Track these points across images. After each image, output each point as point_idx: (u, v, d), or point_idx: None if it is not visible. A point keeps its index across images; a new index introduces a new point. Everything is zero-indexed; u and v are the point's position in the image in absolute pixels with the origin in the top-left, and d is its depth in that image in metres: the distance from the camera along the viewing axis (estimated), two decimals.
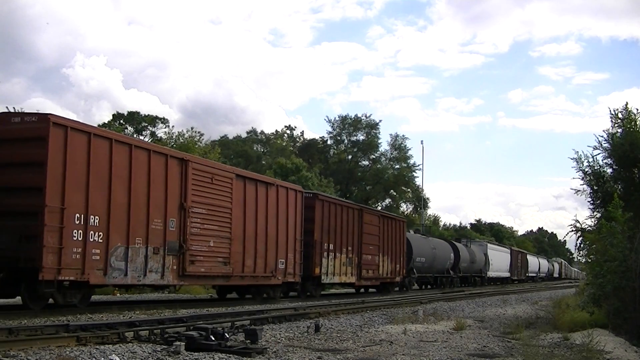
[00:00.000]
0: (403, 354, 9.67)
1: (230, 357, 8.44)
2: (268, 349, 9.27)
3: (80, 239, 13.05)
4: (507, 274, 55.44)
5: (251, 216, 18.86)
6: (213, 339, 9.20)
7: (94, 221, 13.39)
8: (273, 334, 11.27)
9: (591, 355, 9.74)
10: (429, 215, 73.16)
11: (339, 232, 24.13)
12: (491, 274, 49.38)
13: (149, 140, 40.19)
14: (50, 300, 13.22)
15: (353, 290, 29.09)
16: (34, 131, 12.61)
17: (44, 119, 12.74)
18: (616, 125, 16.85)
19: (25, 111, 13.13)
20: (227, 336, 9.61)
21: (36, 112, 13.84)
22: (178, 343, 8.58)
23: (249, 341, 9.72)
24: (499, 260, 51.61)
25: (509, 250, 58.03)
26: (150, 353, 8.30)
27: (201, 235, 16.71)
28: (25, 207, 12.52)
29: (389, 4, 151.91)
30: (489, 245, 51.27)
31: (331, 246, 23.51)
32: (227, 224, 17.79)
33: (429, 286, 38.11)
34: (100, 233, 13.52)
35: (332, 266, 23.58)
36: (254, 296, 20.03)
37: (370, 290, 29.51)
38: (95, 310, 13.58)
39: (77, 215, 13.02)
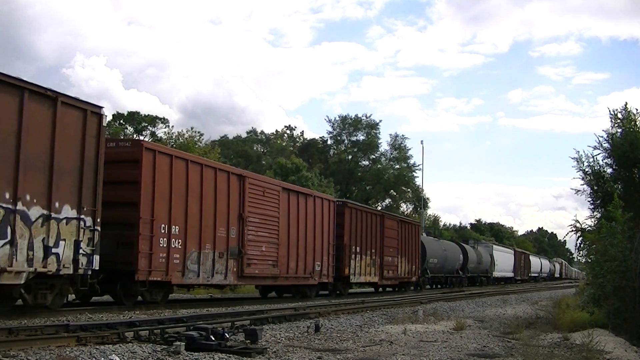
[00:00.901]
0: (403, 354, 9.67)
1: (230, 357, 8.44)
2: (268, 349, 9.26)
3: (165, 245, 15.47)
4: (511, 274, 57.28)
5: (294, 224, 21.37)
6: (213, 339, 9.20)
7: (175, 230, 15.83)
8: (273, 334, 11.27)
9: (591, 355, 9.74)
10: (429, 215, 73.22)
11: (364, 236, 26.41)
12: (496, 274, 51.34)
13: (149, 140, 40.44)
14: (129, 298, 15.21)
15: (372, 290, 30.90)
16: (129, 155, 14.96)
17: (137, 144, 15.59)
18: (616, 125, 16.85)
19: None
20: (227, 336, 9.61)
21: (129, 138, 16.10)
22: (178, 343, 8.58)
23: (249, 341, 9.72)
24: (503, 261, 53.67)
25: (512, 252, 59.71)
26: (150, 353, 8.30)
27: (255, 241, 19.24)
28: (123, 218, 14.60)
29: (389, 4, 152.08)
30: (494, 246, 53.09)
31: (358, 249, 25.79)
32: (276, 231, 20.33)
33: (439, 285, 40.05)
34: (179, 240, 15.96)
35: (359, 267, 25.88)
36: (293, 295, 22.45)
37: (387, 289, 31.54)
38: (95, 310, 13.58)
39: (163, 225, 15.45)
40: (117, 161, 14.55)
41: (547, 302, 26.73)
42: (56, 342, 8.56)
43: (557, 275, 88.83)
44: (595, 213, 17.16)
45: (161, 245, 15.33)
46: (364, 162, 64.32)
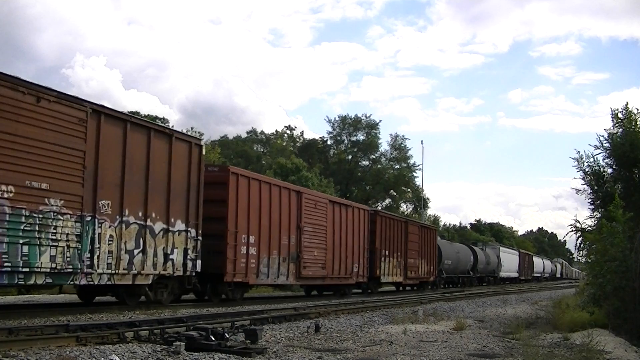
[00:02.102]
0: (403, 354, 9.67)
1: (230, 357, 8.44)
2: (268, 349, 9.26)
3: (244, 252, 18.49)
4: (516, 274, 59.95)
5: (337, 231, 24.50)
6: (213, 339, 9.20)
7: (251, 240, 18.83)
8: (273, 334, 11.27)
9: (591, 355, 9.74)
10: (429, 215, 73.14)
11: (391, 241, 29.78)
12: (503, 274, 54.31)
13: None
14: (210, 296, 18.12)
15: (394, 289, 33.68)
16: (218, 178, 17.93)
17: (224, 169, 18.69)
18: (616, 125, 16.85)
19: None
20: (227, 336, 9.61)
21: (217, 164, 19.70)
22: (178, 343, 8.57)
23: (249, 341, 9.71)
24: (509, 261, 56.68)
25: (517, 253, 62.46)
26: (150, 353, 8.30)
27: (309, 247, 22.37)
28: (213, 230, 17.29)
29: (389, 4, 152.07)
30: (500, 248, 56.13)
31: (387, 252, 29.16)
32: (324, 238, 23.54)
33: (450, 285, 42.16)
34: (254, 248, 18.96)
35: (388, 268, 29.27)
36: (333, 293, 25.54)
37: (407, 288, 34.27)
38: (95, 310, 13.58)
39: (243, 236, 18.50)
40: (209, 183, 17.06)
41: (547, 302, 26.73)
42: (56, 342, 8.56)
43: (558, 275, 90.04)
44: (595, 213, 17.19)
45: (242, 252, 18.43)
46: (364, 162, 64.32)
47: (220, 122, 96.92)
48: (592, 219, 17.14)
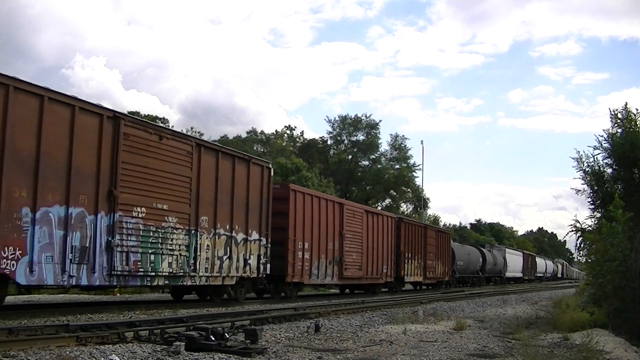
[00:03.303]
0: (403, 354, 9.66)
1: (230, 357, 8.43)
2: (268, 349, 9.26)
3: (300, 257, 21.68)
4: (521, 274, 62.84)
5: (370, 237, 27.53)
6: (213, 339, 9.20)
7: (306, 246, 21.97)
8: (273, 334, 11.27)
9: (591, 355, 9.73)
10: (429, 215, 73.12)
11: (413, 244, 32.98)
12: (508, 274, 57.25)
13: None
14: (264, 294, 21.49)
15: (412, 288, 36.60)
16: (281, 194, 20.83)
17: (285, 187, 21.69)
18: (616, 125, 16.84)
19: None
20: (227, 336, 9.61)
21: (279, 182, 23.67)
22: (178, 343, 8.57)
23: (249, 341, 9.71)
24: (514, 262, 59.69)
25: (521, 254, 65.22)
26: (150, 353, 8.30)
27: (349, 251, 25.47)
28: (276, 238, 20.17)
29: (389, 4, 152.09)
30: (506, 250, 59.06)
31: (409, 255, 32.35)
32: (360, 243, 26.55)
33: (461, 285, 44.11)
34: (308, 252, 22.06)
35: (410, 269, 32.46)
36: (365, 291, 28.25)
37: (423, 287, 36.91)
38: (95, 310, 13.58)
39: (300, 243, 21.63)
40: (273, 198, 19.94)
41: (547, 302, 26.72)
42: (56, 342, 8.55)
43: (559, 275, 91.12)
44: (595, 213, 17.17)
45: (298, 257, 21.57)
46: (364, 162, 64.28)
47: (220, 122, 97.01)
48: (592, 219, 17.14)
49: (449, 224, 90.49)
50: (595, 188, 16.99)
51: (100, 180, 13.31)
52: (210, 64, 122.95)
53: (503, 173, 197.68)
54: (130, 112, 47.62)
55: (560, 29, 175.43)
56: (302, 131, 67.84)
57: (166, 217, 15.11)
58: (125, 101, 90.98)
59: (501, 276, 54.62)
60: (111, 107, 14.44)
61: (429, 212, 73.37)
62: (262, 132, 65.39)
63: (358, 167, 63.39)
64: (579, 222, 17.05)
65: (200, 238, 16.31)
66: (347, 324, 13.95)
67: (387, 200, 64.28)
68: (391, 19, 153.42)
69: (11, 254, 11.37)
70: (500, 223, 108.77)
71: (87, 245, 12.90)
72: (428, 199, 68.48)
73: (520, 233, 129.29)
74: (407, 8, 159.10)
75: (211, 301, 17.89)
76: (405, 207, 65.82)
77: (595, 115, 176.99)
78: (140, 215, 14.24)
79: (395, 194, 63.83)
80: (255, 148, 61.86)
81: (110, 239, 13.43)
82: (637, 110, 16.59)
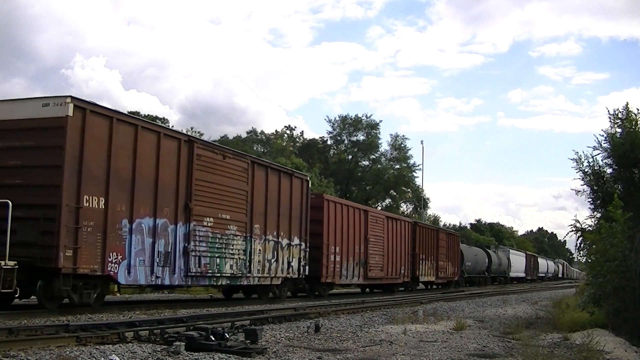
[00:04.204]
0: (403, 354, 9.66)
1: (230, 357, 8.43)
2: (268, 349, 9.25)
3: (332, 259, 23.94)
4: (524, 274, 64.73)
5: (390, 240, 29.74)
6: (213, 339, 9.20)
7: (337, 250, 24.29)
8: (273, 334, 11.26)
9: (591, 355, 9.73)
10: (429, 215, 73.14)
11: (427, 247, 35.34)
12: (512, 274, 59.09)
13: None
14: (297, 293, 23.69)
15: (424, 287, 38.32)
16: (316, 203, 23.10)
17: (320, 197, 24.14)
18: (616, 125, 16.84)
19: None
20: (227, 336, 9.60)
21: (314, 192, 25.04)
22: (178, 343, 8.56)
23: (249, 341, 9.71)
24: (517, 263, 61.61)
25: (524, 255, 67.20)
26: (150, 353, 8.30)
27: (373, 254, 27.63)
28: (312, 243, 22.45)
29: (389, 4, 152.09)
30: (510, 251, 61.47)
31: (423, 256, 34.71)
32: (382, 246, 28.72)
33: (468, 284, 45.82)
34: (338, 256, 24.39)
35: (424, 269, 34.86)
36: (384, 291, 30.71)
37: (434, 287, 38.83)
38: (95, 310, 13.57)
39: (332, 247, 23.91)
40: (310, 207, 22.32)
41: (547, 302, 26.72)
42: (56, 342, 8.55)
43: (560, 275, 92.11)
44: (595, 213, 17.16)
45: (331, 259, 23.85)
46: (364, 162, 64.31)
47: (220, 122, 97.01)
48: (592, 219, 17.14)
49: (449, 224, 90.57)
50: (595, 188, 16.99)
51: (179, 195, 15.75)
52: (210, 64, 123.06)
53: (503, 173, 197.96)
54: (129, 113, 47.84)
55: (560, 29, 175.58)
56: (302, 131, 67.92)
57: (228, 226, 17.65)
58: (125, 101, 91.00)
59: (505, 276, 56.44)
60: (186, 133, 18.09)
61: (429, 212, 73.49)
62: (262, 132, 65.44)
63: (358, 167, 63.41)
64: (579, 222, 17.06)
65: (254, 243, 18.78)
66: (347, 324, 13.95)
67: (387, 200, 64.36)
68: (391, 19, 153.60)
69: (114, 259, 13.67)
70: (500, 223, 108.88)
71: (169, 250, 15.34)
72: (428, 199, 68.63)
73: (520, 233, 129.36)
74: (407, 8, 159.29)
75: (259, 299, 19.98)
76: (405, 207, 65.89)
77: (595, 116, 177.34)
78: (209, 225, 16.80)
79: (395, 194, 63.84)
80: (255, 148, 61.85)
81: (186, 245, 15.89)
82: (637, 110, 16.61)
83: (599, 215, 16.82)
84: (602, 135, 16.78)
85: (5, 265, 11.22)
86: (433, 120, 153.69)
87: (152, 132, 14.99)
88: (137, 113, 46.04)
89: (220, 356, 8.40)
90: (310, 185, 22.64)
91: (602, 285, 13.94)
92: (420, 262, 34.04)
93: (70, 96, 12.85)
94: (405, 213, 61.23)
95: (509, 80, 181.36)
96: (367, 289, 31.22)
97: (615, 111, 16.90)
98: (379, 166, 63.00)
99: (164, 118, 46.99)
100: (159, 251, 14.92)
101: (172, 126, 47.29)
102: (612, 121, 16.89)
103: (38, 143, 12.86)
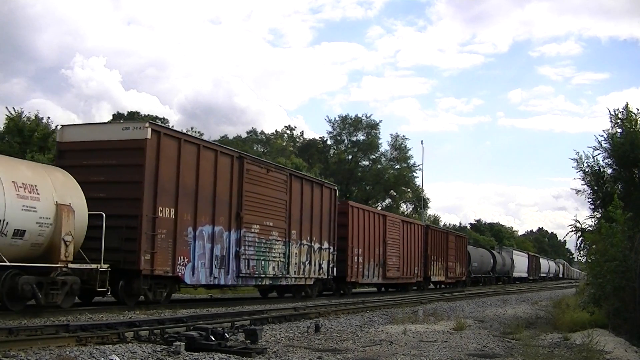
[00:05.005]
0: (403, 354, 9.66)
1: (230, 357, 8.43)
2: (268, 349, 9.26)
3: (356, 261, 25.98)
4: (526, 274, 66.46)
5: (405, 242, 31.92)
6: (213, 339, 9.19)
7: (360, 252, 26.24)
8: (273, 334, 11.26)
9: (591, 355, 9.73)
10: (429, 215, 73.10)
11: (437, 248, 37.58)
12: (515, 274, 60.83)
13: None
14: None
15: (432, 287, 39.87)
16: (342, 209, 25.17)
17: (345, 203, 26.21)
18: (616, 125, 16.84)
19: None
20: (227, 336, 9.60)
21: (339, 200, 26.11)
22: (178, 343, 8.56)
23: (249, 341, 9.70)
24: (520, 263, 63.52)
25: (527, 255, 68.98)
26: (150, 353, 8.29)
27: (390, 256, 29.78)
28: (339, 246, 24.49)
29: (389, 4, 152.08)
30: (514, 251, 63.42)
31: (435, 257, 36.96)
32: (398, 248, 30.83)
33: (474, 284, 47.50)
34: (361, 257, 26.39)
35: (435, 270, 37.11)
36: (399, 290, 32.64)
37: (442, 286, 40.54)
38: (95, 310, 13.57)
39: (356, 249, 25.98)
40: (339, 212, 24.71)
41: (547, 302, 26.73)
42: (56, 342, 8.55)
43: (561, 275, 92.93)
44: (595, 213, 17.17)
45: (355, 261, 25.84)
46: (364, 162, 64.19)
47: (220, 122, 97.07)
48: (593, 219, 17.14)
49: (449, 224, 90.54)
50: (595, 188, 16.99)
51: (232, 205, 17.75)
52: (210, 64, 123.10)
53: (503, 173, 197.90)
54: (129, 113, 47.92)
55: (560, 29, 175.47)
56: (302, 131, 67.83)
57: (271, 232, 19.72)
58: (125, 101, 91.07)
59: (509, 276, 58.14)
60: (237, 150, 19.55)
61: (429, 212, 73.43)
62: (262, 132, 65.46)
63: (358, 167, 63.33)
64: (579, 222, 17.08)
65: (291, 247, 20.82)
66: (347, 324, 13.95)
67: (387, 200, 64.26)
68: (391, 19, 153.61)
69: (182, 262, 15.69)
70: (500, 223, 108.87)
71: (224, 254, 17.41)
72: (428, 199, 68.56)
73: (520, 233, 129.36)
74: (407, 8, 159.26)
75: (293, 297, 21.93)
76: (405, 207, 65.82)
77: (595, 116, 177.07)
78: (256, 231, 18.87)
79: (395, 194, 63.78)
80: (255, 148, 61.88)
81: (238, 249, 17.94)
82: (638, 110, 16.61)
83: (599, 215, 16.82)
84: (602, 136, 16.80)
85: (101, 268, 13.35)
86: (433, 120, 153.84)
87: (210, 150, 17.12)
88: (137, 113, 46.11)
89: (220, 356, 8.40)
90: (337, 194, 24.84)
91: (602, 285, 13.94)
92: (432, 263, 36.22)
93: (149, 121, 15.05)
94: (405, 213, 61.19)
95: (509, 80, 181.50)
96: (383, 288, 32.77)
97: (615, 111, 16.91)
98: (379, 166, 62.94)
99: (164, 118, 47.00)
100: (216, 255, 16.97)
101: (172, 126, 47.34)
102: (613, 121, 16.90)
103: (120, 162, 14.83)
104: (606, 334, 12.43)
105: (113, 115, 46.38)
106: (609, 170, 17.15)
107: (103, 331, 9.52)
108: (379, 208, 54.54)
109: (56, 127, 19.38)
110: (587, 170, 17.14)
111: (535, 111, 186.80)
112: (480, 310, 21.48)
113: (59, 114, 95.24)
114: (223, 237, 17.37)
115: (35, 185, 12.29)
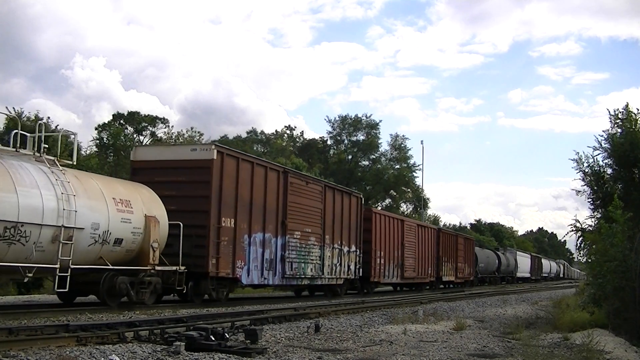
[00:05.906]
0: (403, 354, 9.66)
1: (230, 357, 8.43)
2: (268, 349, 9.26)
3: (378, 262, 27.95)
4: (529, 275, 68.56)
5: (420, 245, 34.04)
6: (213, 339, 9.19)
7: (381, 254, 28.31)
8: (273, 334, 11.26)
9: (591, 355, 9.74)
10: (429, 215, 73.09)
11: (447, 250, 39.69)
12: (519, 274, 63.02)
13: (149, 140, 43.25)
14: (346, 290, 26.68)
15: (442, 286, 40.97)
16: (366, 215, 27.20)
17: (369, 210, 28.51)
18: (616, 125, 16.84)
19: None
20: (227, 336, 9.60)
21: (366, 207, 28.77)
22: (178, 343, 8.56)
23: (249, 341, 9.71)
24: (523, 263, 65.72)
25: (529, 256, 71.46)
26: (150, 353, 8.29)
27: (407, 257, 31.72)
28: (364, 248, 26.47)
29: (388, 4, 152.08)
30: (517, 252, 65.37)
31: (445, 258, 39.12)
32: (414, 250, 32.88)
33: (480, 283, 49.51)
34: (382, 259, 28.49)
35: (446, 270, 39.33)
36: (413, 288, 34.78)
37: (452, 285, 42.27)
38: (95, 310, 13.57)
39: (378, 252, 27.98)
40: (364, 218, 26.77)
41: (547, 302, 26.74)
42: (56, 342, 8.55)
43: (561, 275, 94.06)
44: (595, 213, 17.17)
45: (377, 262, 27.91)
46: (364, 162, 64.17)
47: (220, 122, 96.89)
48: (592, 219, 17.14)
49: (449, 224, 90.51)
50: (595, 188, 17.00)
51: (278, 214, 19.93)
52: (210, 64, 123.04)
53: (503, 173, 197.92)
54: (129, 113, 47.90)
55: (560, 29, 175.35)
56: (302, 131, 67.75)
57: (309, 237, 21.88)
58: (125, 102, 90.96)
59: (512, 276, 60.38)
60: (282, 166, 22.26)
61: (429, 212, 73.43)
62: (262, 132, 65.33)
63: (358, 167, 63.32)
64: (579, 222, 17.08)
65: (325, 251, 22.92)
66: (347, 324, 13.95)
67: (387, 201, 64.24)
68: (391, 19, 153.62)
69: (240, 265, 17.87)
70: (500, 223, 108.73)
71: (272, 258, 19.62)
72: (428, 199, 68.56)
73: (520, 233, 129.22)
74: (407, 8, 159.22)
75: (324, 296, 23.84)
76: (405, 207, 65.81)
77: (594, 116, 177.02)
78: (297, 237, 21.05)
79: (395, 194, 63.76)
80: (255, 148, 61.82)
81: (283, 253, 20.11)
82: (638, 110, 16.61)
83: (599, 215, 16.83)
84: (602, 136, 16.80)
85: (179, 270, 15.47)
86: (433, 120, 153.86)
87: (261, 167, 19.29)
88: (137, 113, 45.95)
89: (220, 356, 8.40)
90: (363, 202, 26.93)
91: (602, 286, 13.95)
92: (443, 263, 38.42)
93: (214, 144, 17.45)
94: (405, 213, 61.20)
95: (508, 80, 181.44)
96: (398, 287, 34.54)
97: (615, 111, 16.92)
98: (379, 166, 62.90)
99: (164, 118, 46.69)
100: (265, 258, 19.16)
101: (172, 126, 47.42)
102: (612, 121, 16.90)
103: (189, 178, 16.88)
104: (606, 334, 12.44)
105: (113, 115, 46.23)
106: (609, 171, 17.16)
107: (103, 331, 9.52)
108: (379, 208, 54.57)
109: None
110: (587, 170, 17.14)
111: (535, 111, 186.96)
112: (480, 310, 21.49)
113: (59, 114, 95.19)
114: (271, 242, 19.56)
115: (129, 200, 14.39)
